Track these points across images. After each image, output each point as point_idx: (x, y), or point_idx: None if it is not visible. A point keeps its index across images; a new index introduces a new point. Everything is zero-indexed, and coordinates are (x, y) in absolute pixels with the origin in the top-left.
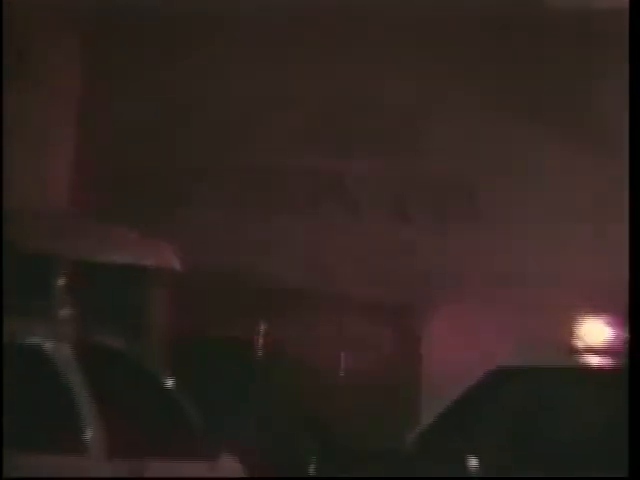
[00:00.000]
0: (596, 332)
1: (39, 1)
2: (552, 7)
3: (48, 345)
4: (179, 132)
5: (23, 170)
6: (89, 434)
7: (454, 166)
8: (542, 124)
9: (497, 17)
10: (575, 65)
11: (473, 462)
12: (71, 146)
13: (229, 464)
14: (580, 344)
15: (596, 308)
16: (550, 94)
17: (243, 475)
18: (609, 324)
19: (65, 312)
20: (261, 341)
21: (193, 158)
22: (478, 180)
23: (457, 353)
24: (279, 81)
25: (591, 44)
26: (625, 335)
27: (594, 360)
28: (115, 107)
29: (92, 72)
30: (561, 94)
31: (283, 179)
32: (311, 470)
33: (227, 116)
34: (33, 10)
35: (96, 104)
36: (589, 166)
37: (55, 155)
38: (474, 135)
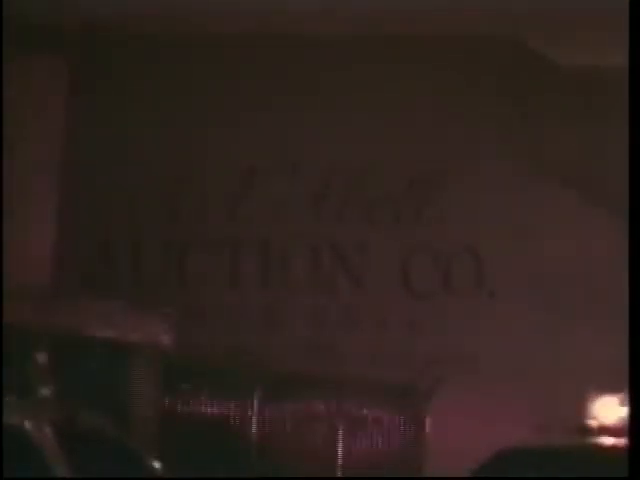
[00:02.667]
0: (610, 411)
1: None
2: (565, 66)
3: (27, 425)
4: (167, 201)
5: (4, 244)
6: None
7: (460, 235)
8: (554, 193)
9: (503, 82)
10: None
11: None
12: (53, 215)
13: None
14: (594, 424)
15: (610, 387)
16: (564, 162)
17: None
18: (623, 403)
19: (46, 390)
20: (255, 420)
21: (185, 228)
22: (488, 253)
23: (462, 434)
24: (277, 146)
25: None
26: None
27: (608, 440)
28: (104, 169)
29: (75, 133)
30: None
31: (282, 251)
32: None
33: (222, 181)
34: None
35: (78, 171)
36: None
37: (37, 228)
38: (481, 204)
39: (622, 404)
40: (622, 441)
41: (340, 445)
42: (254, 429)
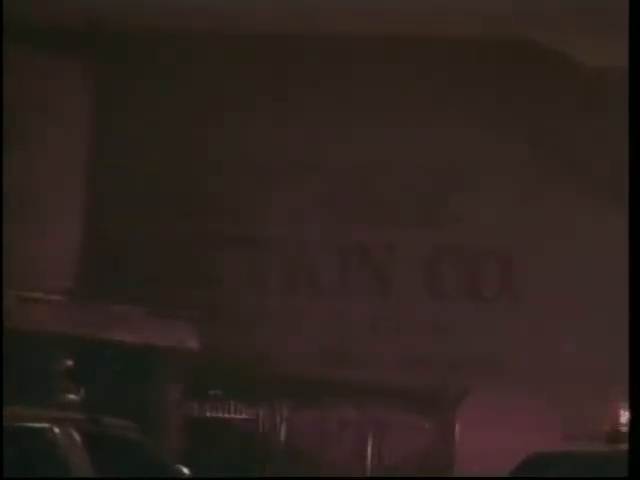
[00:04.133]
0: None
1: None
2: (590, 67)
3: (55, 431)
4: (190, 201)
5: (24, 248)
6: None
7: (487, 238)
8: (580, 193)
9: (528, 83)
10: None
11: None
12: (72, 218)
13: None
14: (622, 430)
15: None
16: (589, 162)
17: None
18: None
19: (72, 395)
20: (283, 425)
21: (208, 228)
22: (515, 256)
23: (489, 440)
24: (299, 145)
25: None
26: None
27: None
28: (121, 171)
29: (91, 135)
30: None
31: (304, 251)
32: None
33: (244, 181)
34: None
35: (101, 171)
36: None
37: (57, 231)
38: (507, 207)
39: None
40: None
41: (368, 451)
42: (282, 434)
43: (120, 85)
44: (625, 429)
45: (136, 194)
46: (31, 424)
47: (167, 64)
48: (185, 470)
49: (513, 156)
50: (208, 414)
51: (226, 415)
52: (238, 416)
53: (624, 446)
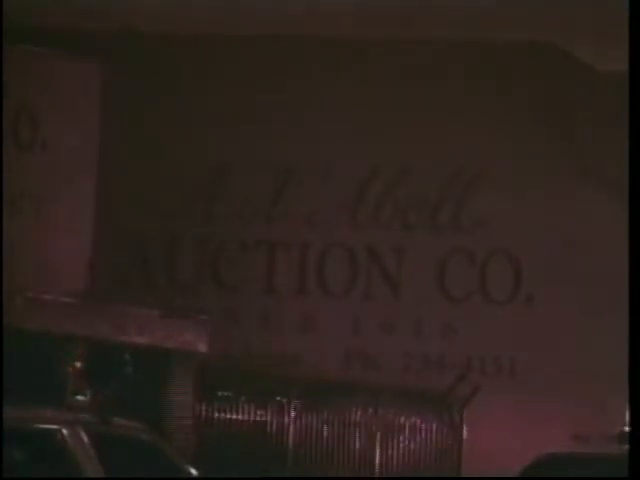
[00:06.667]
0: None
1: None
2: (602, 71)
3: (64, 432)
4: (202, 202)
5: (36, 249)
6: None
7: (497, 239)
8: (590, 196)
9: (541, 85)
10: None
11: None
12: (87, 219)
13: None
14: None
15: None
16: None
17: None
18: None
19: (81, 397)
20: (291, 427)
21: (220, 231)
22: (525, 256)
23: (499, 441)
24: (312, 147)
25: None
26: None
27: None
28: (136, 172)
29: (108, 135)
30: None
31: (317, 253)
32: None
33: (254, 185)
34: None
35: (115, 171)
36: None
37: (71, 232)
38: (517, 207)
39: None
40: None
41: (377, 452)
42: (290, 435)
43: (135, 85)
44: None
45: (150, 196)
46: (40, 425)
47: (182, 65)
48: (195, 471)
49: (527, 158)
50: (218, 415)
51: (236, 416)
52: (248, 417)
53: None
